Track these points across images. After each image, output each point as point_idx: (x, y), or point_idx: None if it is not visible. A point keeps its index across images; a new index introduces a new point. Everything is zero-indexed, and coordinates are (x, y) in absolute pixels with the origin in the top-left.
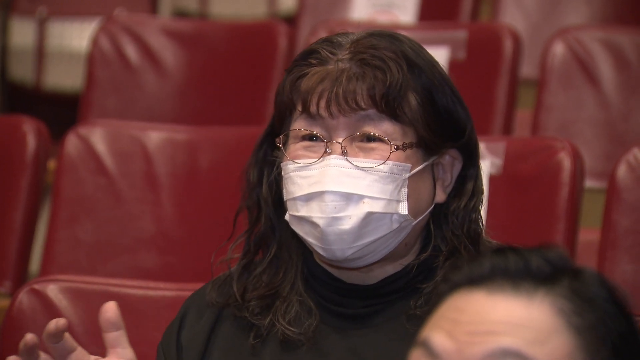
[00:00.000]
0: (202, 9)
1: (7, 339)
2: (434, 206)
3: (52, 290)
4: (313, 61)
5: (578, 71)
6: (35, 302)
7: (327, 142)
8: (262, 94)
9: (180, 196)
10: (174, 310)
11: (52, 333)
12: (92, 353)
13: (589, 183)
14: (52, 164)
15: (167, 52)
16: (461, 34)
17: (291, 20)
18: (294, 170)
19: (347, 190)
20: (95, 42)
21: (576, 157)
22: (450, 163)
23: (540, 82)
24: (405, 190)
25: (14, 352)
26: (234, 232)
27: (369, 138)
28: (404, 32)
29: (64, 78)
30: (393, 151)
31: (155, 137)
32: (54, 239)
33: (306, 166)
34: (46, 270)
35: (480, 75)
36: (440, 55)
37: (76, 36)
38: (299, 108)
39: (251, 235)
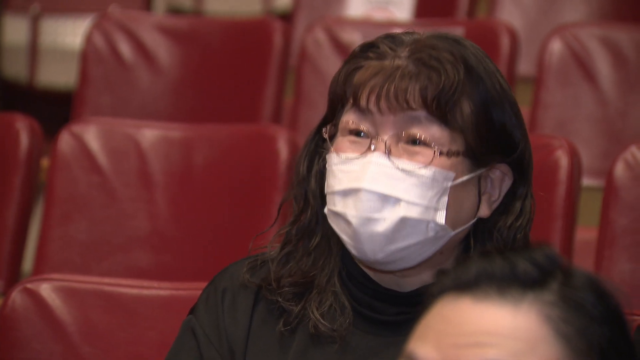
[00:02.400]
0: (197, 6)
1: (0, 338)
2: (477, 220)
3: (45, 290)
4: (371, 55)
5: (575, 68)
6: (28, 302)
7: (372, 139)
8: (258, 92)
9: (174, 194)
10: (168, 309)
11: None
12: (85, 353)
13: (587, 181)
14: (45, 162)
15: (162, 49)
16: (458, 31)
17: (287, 18)
18: (336, 164)
19: (383, 190)
20: (88, 39)
21: (573, 155)
22: (500, 178)
23: (538, 79)
24: (445, 199)
25: (8, 351)
26: (277, 220)
27: (415, 140)
28: (399, 29)
29: (58, 75)
30: (436, 156)
31: (149, 134)
32: (47, 238)
33: (348, 160)
34: (39, 269)
35: None
36: None
37: (70, 33)
38: (350, 100)
39: (294, 225)
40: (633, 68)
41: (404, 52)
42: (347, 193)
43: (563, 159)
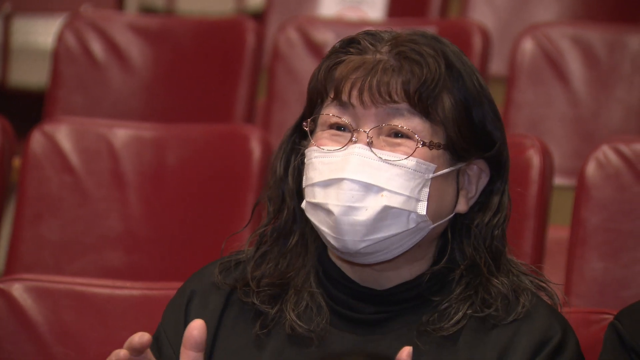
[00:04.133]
0: (169, 5)
1: None
2: (455, 217)
3: (17, 290)
4: (352, 50)
5: (547, 68)
6: (0, 302)
7: (353, 131)
8: (230, 91)
9: (147, 194)
10: (140, 309)
11: (135, 347)
12: (57, 353)
13: (559, 180)
14: (17, 162)
15: (134, 48)
16: (430, 31)
17: (259, 17)
18: (317, 156)
19: (366, 180)
20: (60, 38)
21: (545, 155)
22: (477, 175)
23: (510, 79)
24: (427, 190)
25: None
26: (250, 221)
27: (397, 133)
28: (372, 29)
29: (30, 75)
30: (419, 147)
31: (121, 134)
32: (19, 238)
33: (329, 152)
34: (11, 269)
35: None
36: None
37: (42, 32)
38: (331, 95)
39: (269, 225)
40: (604, 67)
41: (384, 47)
42: (329, 184)
43: (535, 158)
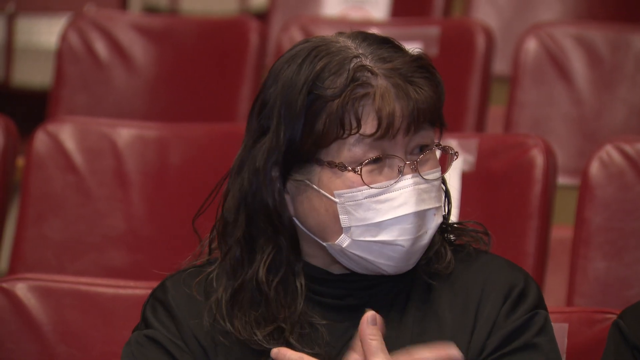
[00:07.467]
0: (173, 5)
1: None
2: None
3: (21, 289)
4: (362, 77)
5: (551, 67)
6: (4, 301)
7: (397, 164)
8: (233, 91)
9: (150, 194)
10: None
11: None
12: (61, 353)
13: (562, 180)
14: (20, 161)
15: (137, 48)
16: (433, 30)
17: (262, 16)
18: (367, 197)
19: (427, 207)
20: (64, 38)
21: (549, 154)
22: None
23: (513, 78)
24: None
25: None
26: (208, 239)
27: (421, 148)
28: (375, 29)
29: (33, 74)
30: (455, 159)
31: (125, 134)
32: (23, 237)
33: (383, 190)
34: (14, 268)
35: (452, 72)
36: None
37: (45, 32)
38: (368, 130)
39: (259, 264)
40: (608, 67)
41: (385, 70)
42: (394, 222)
43: (538, 158)
